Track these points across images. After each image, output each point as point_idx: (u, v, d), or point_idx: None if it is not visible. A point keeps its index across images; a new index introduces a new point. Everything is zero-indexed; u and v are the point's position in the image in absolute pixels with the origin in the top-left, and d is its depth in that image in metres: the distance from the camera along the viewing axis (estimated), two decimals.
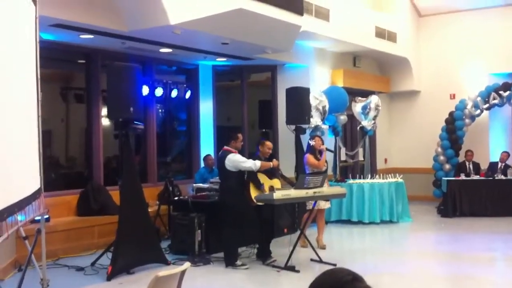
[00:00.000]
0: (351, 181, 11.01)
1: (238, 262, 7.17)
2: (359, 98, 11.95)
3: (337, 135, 11.52)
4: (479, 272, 7.00)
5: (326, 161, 8.57)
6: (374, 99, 11.72)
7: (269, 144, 7.59)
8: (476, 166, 12.10)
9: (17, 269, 6.76)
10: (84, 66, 9.23)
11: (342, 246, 9.09)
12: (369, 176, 11.36)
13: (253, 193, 7.12)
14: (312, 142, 8.44)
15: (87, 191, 8.59)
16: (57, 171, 9.17)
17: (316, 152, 8.35)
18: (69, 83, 9.81)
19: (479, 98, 12.60)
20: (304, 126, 9.95)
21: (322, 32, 10.41)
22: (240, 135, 7.42)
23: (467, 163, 12.19)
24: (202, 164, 10.19)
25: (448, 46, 13.81)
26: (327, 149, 8.53)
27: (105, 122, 9.31)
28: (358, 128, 12.22)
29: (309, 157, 8.37)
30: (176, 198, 8.68)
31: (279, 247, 7.77)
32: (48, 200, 6.88)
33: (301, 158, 9.42)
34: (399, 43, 12.95)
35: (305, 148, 9.66)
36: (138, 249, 6.90)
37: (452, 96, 13.61)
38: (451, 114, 12.94)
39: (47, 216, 6.75)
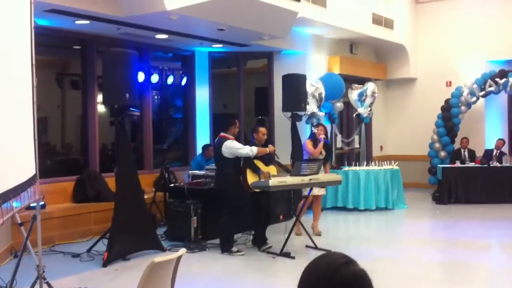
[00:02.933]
0: (346, 168, 11.04)
1: (234, 249, 7.20)
2: (356, 85, 11.94)
3: (333, 122, 11.53)
4: (473, 258, 7.04)
5: (324, 150, 8.54)
6: (370, 86, 11.71)
7: (263, 130, 7.58)
8: (472, 154, 12.13)
9: (12, 255, 6.78)
10: (80, 52, 9.19)
11: (338, 233, 9.13)
12: (365, 163, 11.38)
13: (250, 179, 7.13)
14: (314, 130, 8.49)
15: (83, 178, 8.59)
16: (53, 158, 9.15)
17: (316, 139, 8.38)
18: (64, 69, 9.76)
19: (475, 86, 12.60)
20: (300, 113, 9.95)
21: (319, 19, 10.37)
22: (237, 121, 7.44)
23: (462, 150, 12.23)
24: (199, 151, 10.18)
25: (445, 33, 13.79)
26: (325, 140, 8.53)
27: (101, 108, 9.29)
28: (354, 115, 12.23)
29: (308, 143, 8.41)
30: (172, 185, 8.68)
31: (275, 234, 7.80)
32: (44, 186, 6.87)
33: (297, 145, 9.44)
34: (396, 30, 12.92)
35: (303, 135, 9.69)
36: (134, 236, 6.92)
37: (449, 84, 13.61)
38: (447, 101, 12.95)
39: (42, 203, 6.75)
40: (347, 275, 1.47)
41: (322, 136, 8.40)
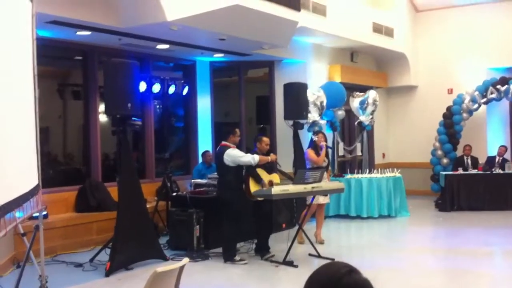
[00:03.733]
0: (349, 176, 11.03)
1: (237, 258, 7.19)
2: (357, 93, 11.96)
3: (335, 130, 11.53)
4: (476, 266, 7.02)
5: (327, 157, 8.57)
6: (371, 94, 11.72)
7: (266, 140, 7.61)
8: (475, 161, 12.11)
9: (15, 265, 6.77)
10: (81, 63, 9.22)
11: (340, 241, 9.11)
12: (367, 171, 11.37)
13: (253, 188, 7.13)
14: (314, 138, 8.50)
15: (85, 188, 8.59)
16: (55, 168, 9.16)
17: (317, 147, 8.38)
18: (66, 80, 9.80)
19: (476, 93, 12.62)
20: (302, 121, 9.96)
21: (319, 28, 10.41)
22: (237, 130, 7.45)
23: (465, 157, 12.21)
24: (200, 160, 10.20)
25: (445, 41, 13.81)
26: (327, 146, 8.55)
27: (103, 118, 9.30)
28: (356, 123, 12.23)
29: (310, 152, 8.41)
30: (174, 194, 8.68)
31: (278, 242, 7.79)
32: (46, 196, 6.89)
33: (299, 154, 9.44)
34: (396, 39, 12.95)
35: (305, 143, 9.68)
36: (137, 245, 6.91)
37: (450, 91, 13.62)
38: (448, 108, 12.95)
39: (45, 213, 6.76)
40: (351, 284, 1.47)
41: (324, 143, 8.41)
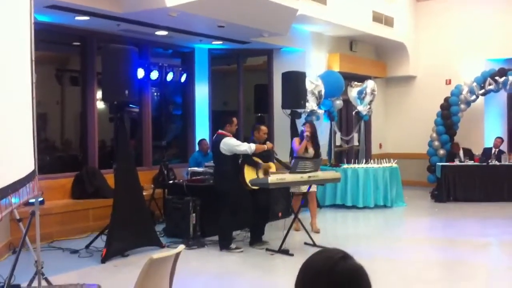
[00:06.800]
0: (345, 165, 11.04)
1: (233, 246, 7.21)
2: (355, 82, 11.93)
3: (332, 119, 11.52)
4: (472, 257, 7.05)
5: (314, 148, 8.44)
6: (370, 84, 11.70)
7: (264, 129, 7.58)
8: (468, 152, 12.12)
9: (11, 251, 6.78)
10: (80, 49, 9.18)
11: (336, 231, 9.13)
12: (364, 161, 11.38)
13: (248, 176, 7.13)
14: (303, 127, 8.51)
15: (82, 174, 8.59)
16: (52, 154, 9.15)
17: (303, 137, 8.39)
18: (64, 66, 9.76)
19: (474, 84, 12.61)
20: (299, 110, 9.95)
21: (319, 16, 10.37)
22: (235, 119, 7.40)
23: (456, 154, 12.18)
24: (197, 148, 10.19)
25: (445, 32, 13.78)
26: (313, 135, 8.44)
27: (100, 105, 9.28)
28: (353, 113, 12.21)
29: (296, 140, 8.48)
30: (171, 181, 8.68)
31: (274, 231, 7.80)
32: (43, 183, 6.88)
33: None
34: (396, 28, 12.91)
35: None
36: (133, 232, 6.92)
37: (448, 82, 13.61)
38: (446, 99, 12.95)
39: (41, 199, 6.75)
40: (346, 270, 1.48)
41: (307, 133, 8.32)
